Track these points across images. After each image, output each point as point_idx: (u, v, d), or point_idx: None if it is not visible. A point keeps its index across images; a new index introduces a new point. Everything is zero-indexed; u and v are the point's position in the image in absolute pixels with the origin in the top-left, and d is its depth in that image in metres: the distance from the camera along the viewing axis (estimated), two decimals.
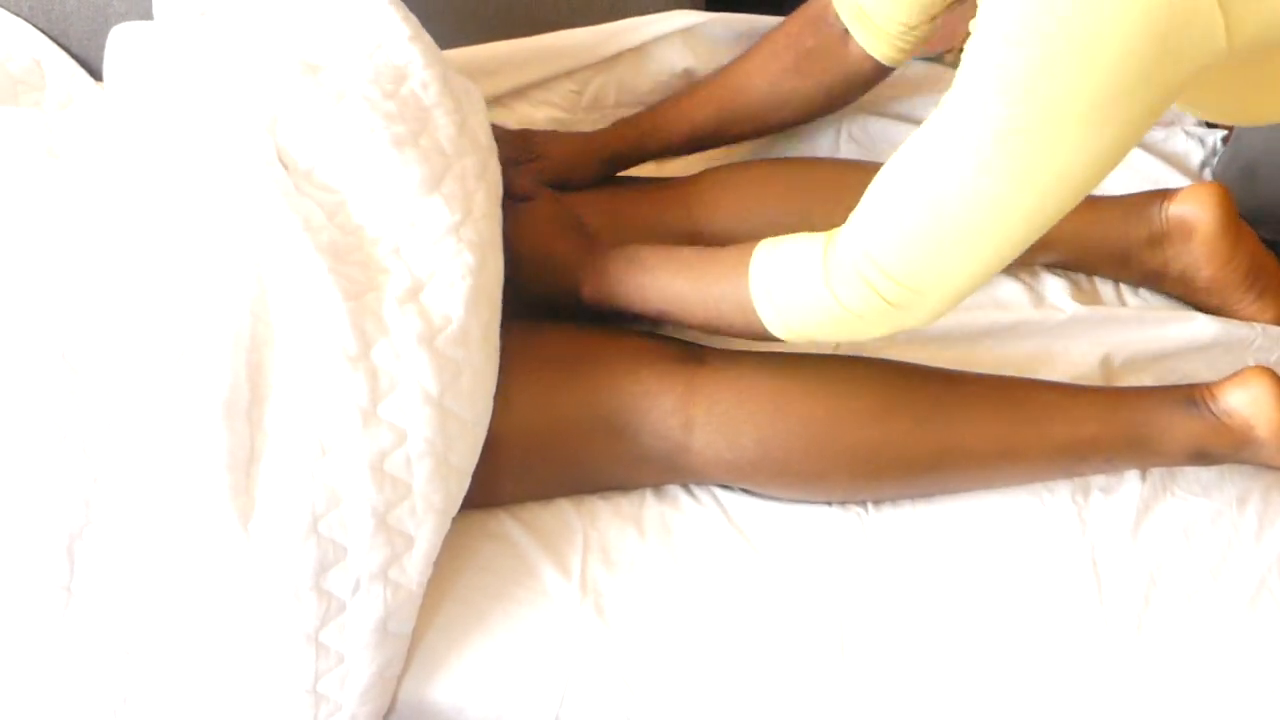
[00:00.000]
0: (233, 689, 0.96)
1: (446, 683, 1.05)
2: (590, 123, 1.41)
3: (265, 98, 1.07)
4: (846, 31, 1.17)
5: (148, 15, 1.26)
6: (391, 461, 0.96)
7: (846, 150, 1.42)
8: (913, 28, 1.14)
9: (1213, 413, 1.09)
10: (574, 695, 1.04)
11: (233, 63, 1.10)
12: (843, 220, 0.99)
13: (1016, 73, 0.80)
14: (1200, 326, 1.25)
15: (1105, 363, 1.23)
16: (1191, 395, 1.10)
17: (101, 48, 1.31)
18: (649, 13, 1.40)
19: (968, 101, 0.84)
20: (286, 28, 1.14)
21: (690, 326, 1.11)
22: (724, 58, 1.40)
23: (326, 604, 0.96)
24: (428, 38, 1.17)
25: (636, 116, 1.31)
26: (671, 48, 1.40)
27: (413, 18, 1.16)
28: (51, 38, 1.37)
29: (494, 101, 1.34)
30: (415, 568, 0.99)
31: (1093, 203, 1.26)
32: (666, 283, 1.09)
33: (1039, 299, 1.29)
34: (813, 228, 1.05)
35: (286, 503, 0.94)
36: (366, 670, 0.99)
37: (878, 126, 1.42)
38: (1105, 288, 1.32)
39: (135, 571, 0.94)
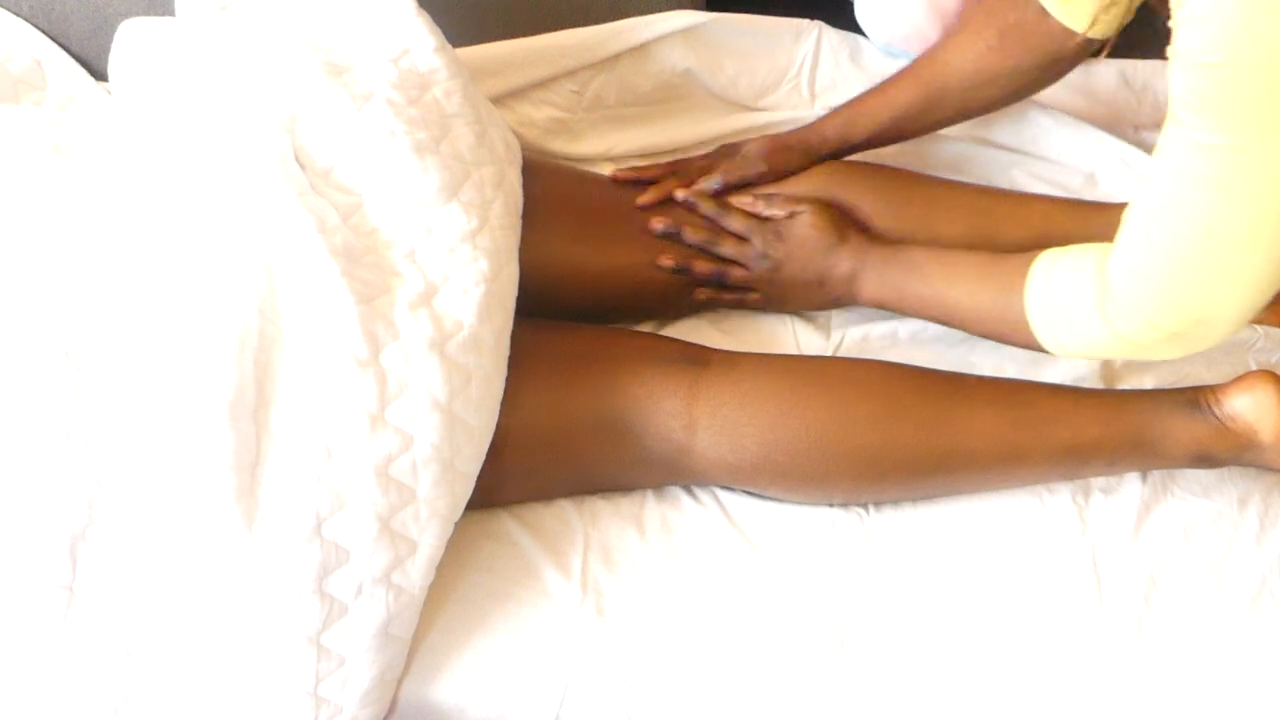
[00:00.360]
0: (234, 690, 0.96)
1: (447, 682, 1.05)
2: (590, 123, 1.41)
3: (285, 96, 1.07)
4: (1042, 7, 1.12)
5: (147, 14, 1.25)
6: (397, 466, 0.96)
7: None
8: None
9: (1216, 416, 1.09)
10: (574, 695, 1.04)
11: (252, 59, 1.10)
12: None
13: (1221, 94, 0.81)
14: None
15: (1106, 364, 1.23)
16: (1195, 398, 1.10)
17: (101, 47, 1.31)
18: (649, 13, 1.40)
19: (1186, 130, 0.84)
20: (311, 27, 1.13)
21: (969, 333, 1.12)
22: (724, 58, 1.40)
23: (329, 607, 0.96)
24: (452, 51, 1.17)
25: (840, 107, 1.28)
26: (672, 48, 1.39)
27: (439, 31, 1.16)
28: (51, 38, 1.37)
29: (495, 101, 1.34)
30: (418, 572, 0.99)
31: (1099, 209, 1.26)
32: (943, 290, 1.10)
33: None
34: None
35: (291, 505, 0.94)
36: (367, 673, 0.99)
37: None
38: None
39: (138, 572, 0.94)
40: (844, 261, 1.19)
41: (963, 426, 1.10)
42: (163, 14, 1.29)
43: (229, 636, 0.95)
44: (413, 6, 1.15)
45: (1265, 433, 1.07)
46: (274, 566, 0.94)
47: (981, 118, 1.30)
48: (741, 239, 1.22)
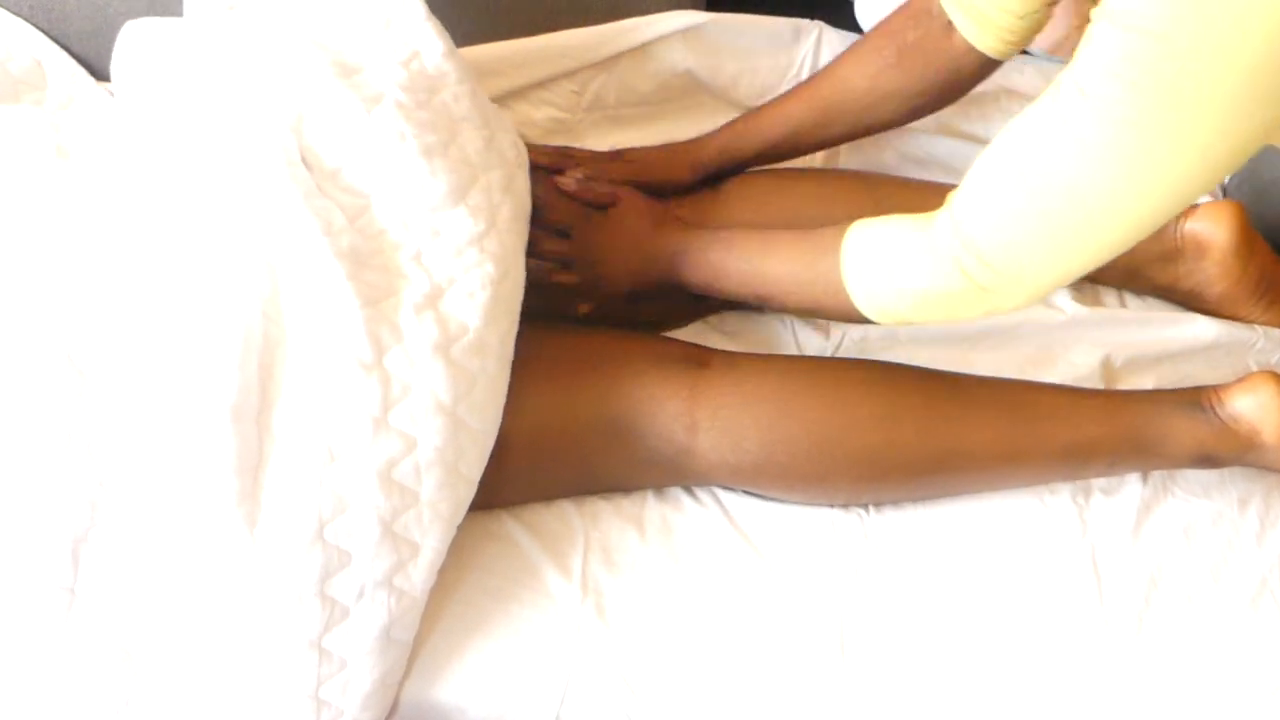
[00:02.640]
0: (235, 693, 0.96)
1: (448, 682, 1.05)
2: (591, 123, 1.41)
3: (292, 96, 1.07)
4: (950, 24, 1.12)
5: (148, 14, 1.25)
6: (400, 469, 0.96)
7: (846, 152, 1.41)
8: (1022, 17, 1.08)
9: (1219, 417, 1.09)
10: (575, 695, 1.04)
11: (258, 59, 1.09)
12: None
13: (1149, 64, 0.77)
14: (1201, 328, 1.25)
15: (1106, 364, 1.23)
16: (1197, 399, 1.10)
17: (102, 47, 1.30)
18: (649, 13, 1.40)
19: (1089, 90, 0.81)
20: (319, 28, 1.13)
21: (786, 309, 1.11)
22: (724, 58, 1.40)
23: (330, 610, 0.96)
24: (461, 57, 1.17)
25: (733, 121, 1.27)
26: (672, 48, 1.39)
27: (448, 36, 1.16)
28: (51, 38, 1.37)
29: (495, 101, 1.34)
30: (420, 575, 0.99)
31: None
32: (762, 265, 1.08)
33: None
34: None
35: (293, 508, 0.94)
36: (369, 677, 0.98)
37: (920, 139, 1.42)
38: (1106, 290, 1.32)
39: (139, 574, 0.94)
40: (664, 243, 1.16)
41: (963, 427, 1.10)
42: (164, 13, 1.30)
43: (230, 639, 0.95)
44: (423, 10, 1.15)
45: (1267, 433, 1.07)
46: (276, 569, 0.94)
47: (955, 108, 1.28)
48: (562, 234, 1.20)
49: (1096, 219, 0.85)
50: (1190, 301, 1.28)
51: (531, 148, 1.24)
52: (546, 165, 1.22)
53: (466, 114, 1.12)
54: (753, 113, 1.26)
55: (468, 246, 1.04)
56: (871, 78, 1.18)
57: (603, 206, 1.20)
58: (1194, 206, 1.24)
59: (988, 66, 1.14)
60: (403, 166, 1.05)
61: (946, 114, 1.31)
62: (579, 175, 1.21)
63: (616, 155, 1.28)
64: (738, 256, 1.11)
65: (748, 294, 1.12)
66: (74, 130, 1.10)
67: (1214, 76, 0.76)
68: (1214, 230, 1.22)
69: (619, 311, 1.20)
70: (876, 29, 1.19)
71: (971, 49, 1.12)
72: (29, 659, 0.95)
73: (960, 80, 1.16)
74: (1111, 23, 0.79)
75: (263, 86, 1.07)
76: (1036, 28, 1.09)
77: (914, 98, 1.18)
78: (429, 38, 1.14)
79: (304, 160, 1.04)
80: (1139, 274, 1.28)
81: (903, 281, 0.96)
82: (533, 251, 1.16)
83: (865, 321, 1.01)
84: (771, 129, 1.24)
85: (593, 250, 1.18)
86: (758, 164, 1.27)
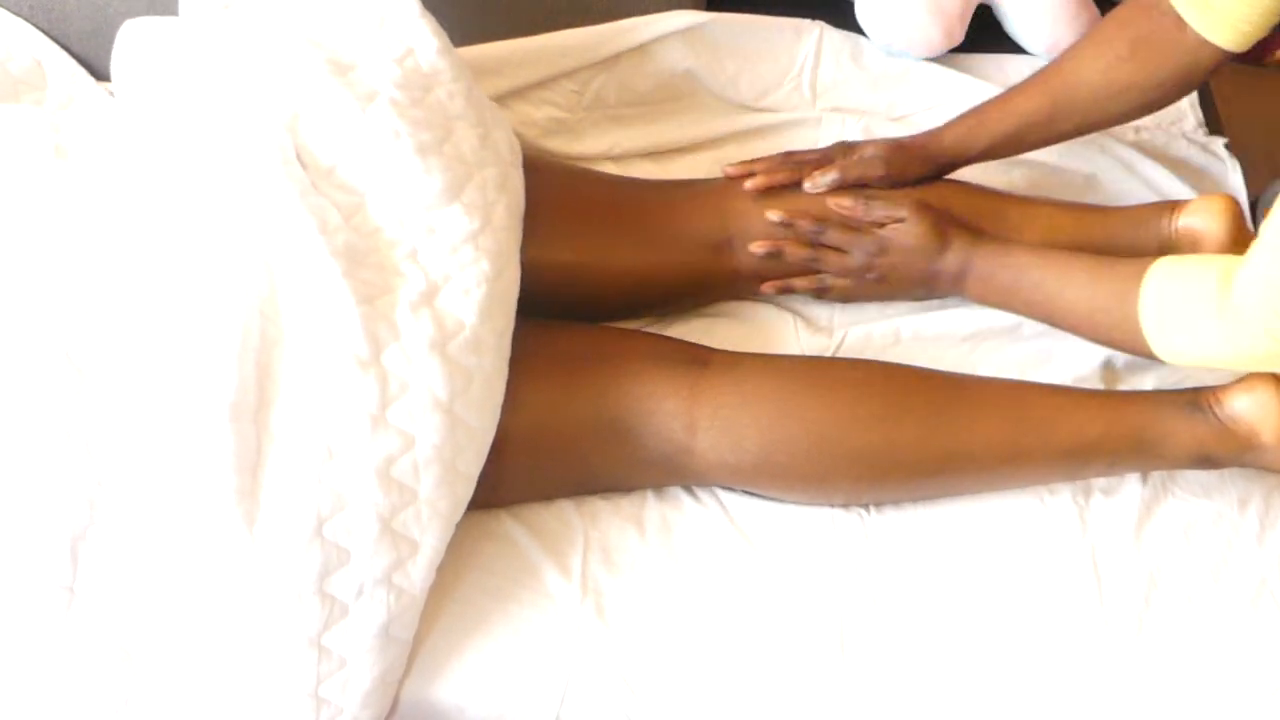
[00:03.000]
0: (234, 691, 0.96)
1: (447, 682, 1.05)
2: (591, 122, 1.41)
3: (287, 94, 1.07)
4: (1180, 18, 1.09)
5: (147, 14, 1.25)
6: (399, 467, 0.96)
7: None
8: (1253, 4, 1.04)
9: (1217, 417, 1.09)
10: (574, 695, 1.04)
11: (254, 57, 1.10)
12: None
13: None
14: None
15: (1107, 364, 1.23)
16: (1196, 399, 1.10)
17: (102, 47, 1.30)
18: (649, 13, 1.40)
19: None
20: (314, 26, 1.13)
21: (1075, 334, 1.11)
22: (724, 58, 1.40)
23: (330, 608, 0.96)
24: (456, 54, 1.17)
25: (963, 116, 1.24)
26: (672, 48, 1.39)
27: (443, 33, 1.16)
28: (51, 38, 1.37)
29: (495, 101, 1.34)
30: (419, 573, 0.99)
31: (1101, 213, 1.26)
32: (1054, 294, 1.09)
33: None
34: None
35: (292, 506, 0.94)
36: (368, 675, 0.99)
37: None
38: None
39: (139, 573, 0.94)
40: (949, 265, 1.18)
41: (963, 427, 1.10)
42: (164, 13, 1.30)
43: (230, 637, 0.95)
44: (417, 8, 1.15)
45: (1266, 434, 1.07)
46: (275, 567, 0.94)
47: None
48: (842, 252, 1.21)
49: None
50: None
51: (754, 161, 1.25)
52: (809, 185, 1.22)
53: (461, 111, 1.13)
54: (981, 107, 1.24)
55: (463, 244, 1.04)
56: (1103, 72, 1.16)
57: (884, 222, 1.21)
58: (1185, 201, 1.24)
59: (1222, 58, 1.11)
60: (397, 164, 1.05)
61: None
62: (857, 199, 1.21)
63: (845, 149, 1.25)
64: (1030, 285, 1.12)
65: (1036, 318, 1.14)
66: (72, 130, 1.10)
67: None
68: (1207, 224, 1.22)
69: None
70: (1108, 20, 1.17)
71: (1205, 42, 1.09)
72: (28, 658, 0.95)
73: (1196, 73, 1.14)
74: None
75: (258, 85, 1.08)
76: (1272, 14, 1.06)
77: (1149, 91, 1.16)
78: (423, 35, 1.14)
79: (299, 158, 1.04)
80: None
81: (1207, 341, 0.97)
82: (817, 268, 1.20)
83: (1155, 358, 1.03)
84: (1002, 124, 1.21)
85: (876, 266, 1.20)
86: (987, 159, 1.25)
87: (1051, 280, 1.10)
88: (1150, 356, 1.03)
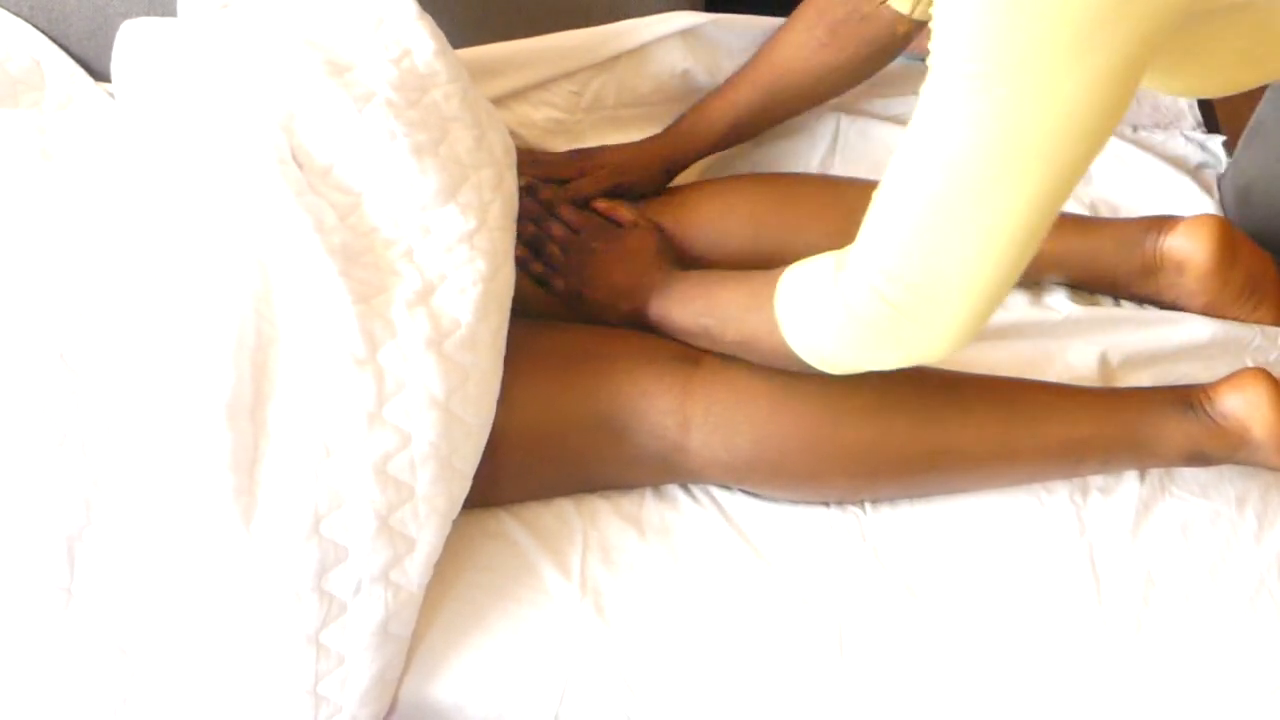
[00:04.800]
0: (233, 690, 0.96)
1: (446, 681, 1.05)
2: (590, 123, 1.41)
3: (283, 94, 1.07)
4: None
5: (146, 15, 1.25)
6: (395, 464, 0.97)
7: (841, 153, 1.41)
8: None
9: (1209, 415, 1.09)
10: (574, 694, 1.05)
11: (250, 57, 1.10)
12: (826, 237, 0.96)
13: (984, 24, 0.75)
14: (1197, 327, 1.24)
15: (1102, 363, 1.23)
16: (1188, 397, 1.10)
17: (101, 47, 1.30)
18: (649, 13, 1.40)
19: (940, 76, 0.79)
20: (311, 26, 1.13)
21: (731, 351, 1.09)
22: (724, 59, 1.40)
23: (327, 605, 0.96)
24: (454, 55, 1.17)
25: (683, 115, 1.32)
26: (671, 49, 1.39)
27: (441, 34, 1.16)
28: (51, 38, 1.37)
29: (494, 102, 1.34)
30: (416, 570, 0.99)
31: (1087, 227, 1.27)
32: (711, 306, 1.10)
33: (1036, 299, 1.29)
34: (797, 243, 1.02)
35: (289, 503, 0.94)
36: (367, 672, 0.99)
37: (876, 130, 1.42)
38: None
39: (136, 572, 0.94)
40: (654, 279, 1.16)
41: (956, 424, 1.10)
42: (163, 13, 1.30)
43: (228, 635, 0.95)
44: (415, 9, 1.15)
45: (1258, 430, 1.07)
46: (272, 565, 0.94)
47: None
48: (573, 232, 1.23)
49: (985, 207, 0.81)
50: (1175, 309, 1.28)
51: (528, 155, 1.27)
52: (543, 176, 1.26)
53: (457, 113, 1.13)
54: (700, 104, 1.31)
55: (458, 244, 1.05)
56: (806, 59, 1.24)
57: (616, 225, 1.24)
58: (1173, 221, 1.23)
59: (911, 30, 1.16)
60: (393, 165, 1.05)
61: None
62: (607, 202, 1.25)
63: (581, 155, 1.30)
64: (695, 297, 1.11)
65: (696, 332, 1.11)
66: (61, 132, 1.10)
67: (1051, 23, 0.73)
68: (1192, 248, 1.21)
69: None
70: (805, 7, 1.24)
71: (897, 14, 1.15)
72: (26, 658, 0.95)
73: (890, 48, 1.21)
74: (943, 9, 0.77)
75: (254, 84, 1.08)
76: None
77: (849, 71, 1.25)
78: (420, 36, 1.14)
79: (295, 158, 1.05)
80: (1120, 286, 1.28)
81: (826, 315, 0.93)
82: (532, 247, 1.21)
83: (799, 363, 0.98)
84: (720, 118, 1.29)
85: (587, 269, 1.20)
86: (717, 150, 1.32)
87: (712, 293, 1.10)
88: (796, 361, 0.99)
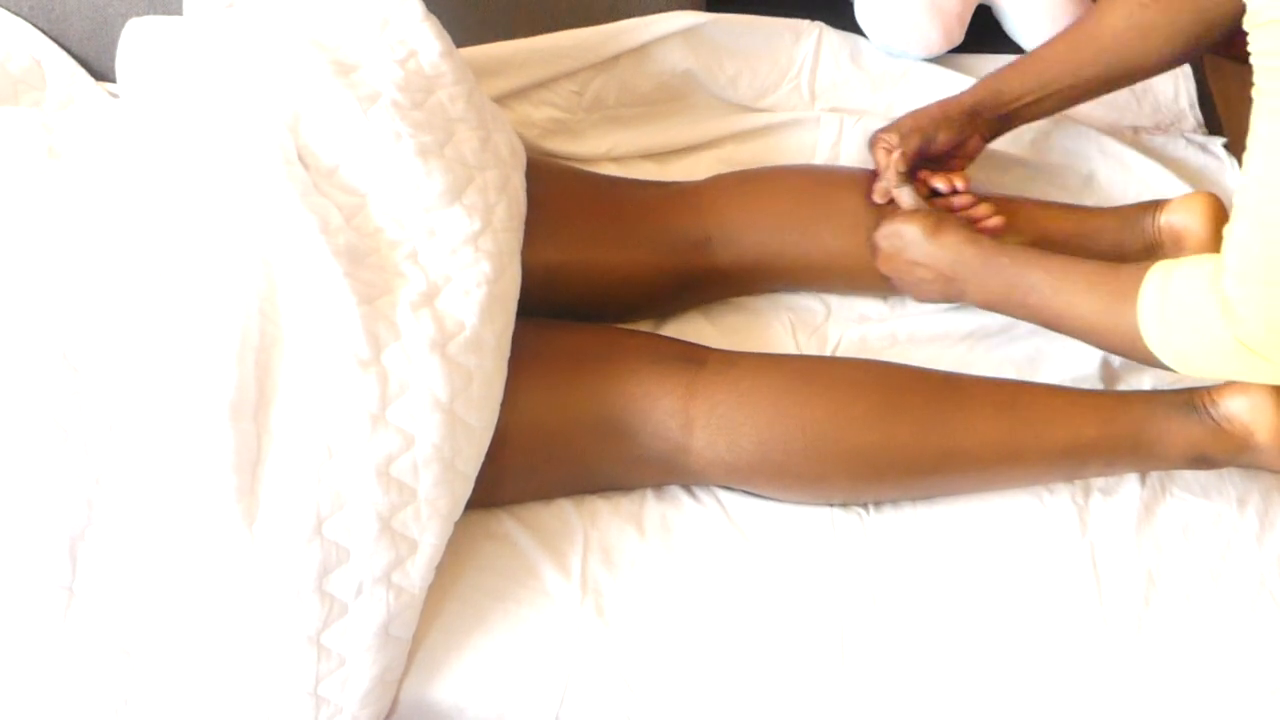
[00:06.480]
0: (234, 690, 0.96)
1: (447, 681, 1.05)
2: (591, 123, 1.41)
3: (289, 94, 1.07)
4: None
5: (148, 14, 1.25)
6: (398, 466, 0.96)
7: (843, 154, 1.40)
8: None
9: (1212, 418, 1.09)
10: (574, 694, 1.05)
11: (256, 57, 1.10)
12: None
13: None
14: None
15: (1104, 364, 1.23)
16: (1191, 400, 1.10)
17: (101, 47, 1.30)
18: (649, 13, 1.40)
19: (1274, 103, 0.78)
20: (317, 27, 1.13)
21: (1077, 339, 1.09)
22: (724, 58, 1.40)
23: (329, 606, 0.96)
24: (460, 57, 1.17)
25: (992, 74, 1.25)
26: (672, 48, 1.40)
27: (447, 35, 1.16)
28: (51, 38, 1.37)
29: (495, 101, 1.34)
30: (418, 572, 0.99)
31: (1088, 213, 1.26)
32: (1055, 305, 1.07)
33: None
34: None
35: (292, 505, 0.94)
36: (368, 673, 0.99)
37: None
38: None
39: (138, 572, 0.94)
40: (938, 259, 1.14)
41: (960, 426, 1.10)
42: (164, 13, 1.30)
43: (229, 636, 0.95)
44: (421, 10, 1.15)
45: (1261, 434, 1.07)
46: (274, 566, 0.94)
47: None
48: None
49: None
50: None
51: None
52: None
53: (462, 114, 1.13)
54: (1012, 64, 1.24)
55: (463, 245, 1.05)
56: (1127, 16, 1.17)
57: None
58: (1166, 201, 1.24)
59: (1241, 7, 1.09)
60: (398, 166, 1.05)
61: None
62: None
63: (892, 128, 1.24)
64: (1027, 287, 1.09)
65: (1035, 322, 1.11)
66: (67, 131, 1.10)
67: None
68: (1188, 222, 1.21)
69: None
70: None
71: None
72: (28, 658, 0.95)
73: (1219, 21, 1.13)
74: (1256, 22, 0.76)
75: (260, 85, 1.08)
76: None
77: (1173, 36, 1.16)
78: (426, 38, 1.14)
79: (301, 159, 1.04)
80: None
81: (1213, 346, 0.93)
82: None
83: (1158, 365, 0.99)
84: (1028, 77, 1.22)
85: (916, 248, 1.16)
86: (1024, 113, 1.25)
87: (1049, 283, 1.09)
88: (1148, 361, 1.01)
